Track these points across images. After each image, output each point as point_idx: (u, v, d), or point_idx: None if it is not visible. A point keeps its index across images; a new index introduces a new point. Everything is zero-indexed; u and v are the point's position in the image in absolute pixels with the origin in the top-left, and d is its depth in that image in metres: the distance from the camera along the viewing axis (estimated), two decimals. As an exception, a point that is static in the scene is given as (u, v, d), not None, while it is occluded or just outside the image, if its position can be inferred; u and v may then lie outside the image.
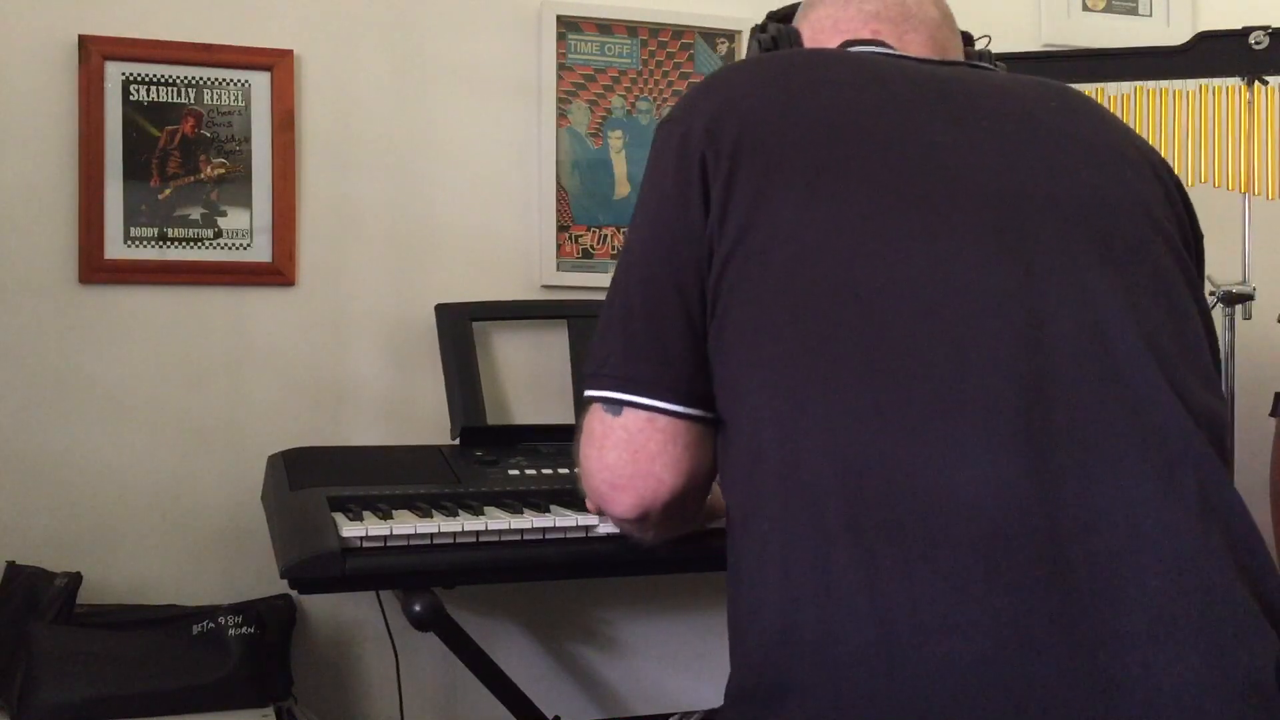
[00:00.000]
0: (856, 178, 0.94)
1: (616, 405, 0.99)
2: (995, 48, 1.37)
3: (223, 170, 1.88)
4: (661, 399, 0.98)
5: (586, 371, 1.03)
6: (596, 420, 1.02)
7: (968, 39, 1.23)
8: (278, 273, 1.90)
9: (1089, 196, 0.97)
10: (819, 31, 1.17)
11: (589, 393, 1.02)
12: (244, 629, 1.65)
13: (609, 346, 1.01)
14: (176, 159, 1.86)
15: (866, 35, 1.13)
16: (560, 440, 1.85)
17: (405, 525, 1.38)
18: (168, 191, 1.86)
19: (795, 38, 1.19)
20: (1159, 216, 1.00)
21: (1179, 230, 1.02)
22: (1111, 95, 2.00)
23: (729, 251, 0.95)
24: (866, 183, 0.94)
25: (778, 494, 0.89)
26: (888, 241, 0.91)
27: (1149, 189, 1.01)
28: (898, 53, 1.11)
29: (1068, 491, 0.84)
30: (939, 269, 0.90)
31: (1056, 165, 0.99)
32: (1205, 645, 0.81)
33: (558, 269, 2.03)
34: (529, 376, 2.01)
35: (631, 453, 0.99)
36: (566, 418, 1.93)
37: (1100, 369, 0.88)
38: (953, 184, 0.95)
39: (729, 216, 0.95)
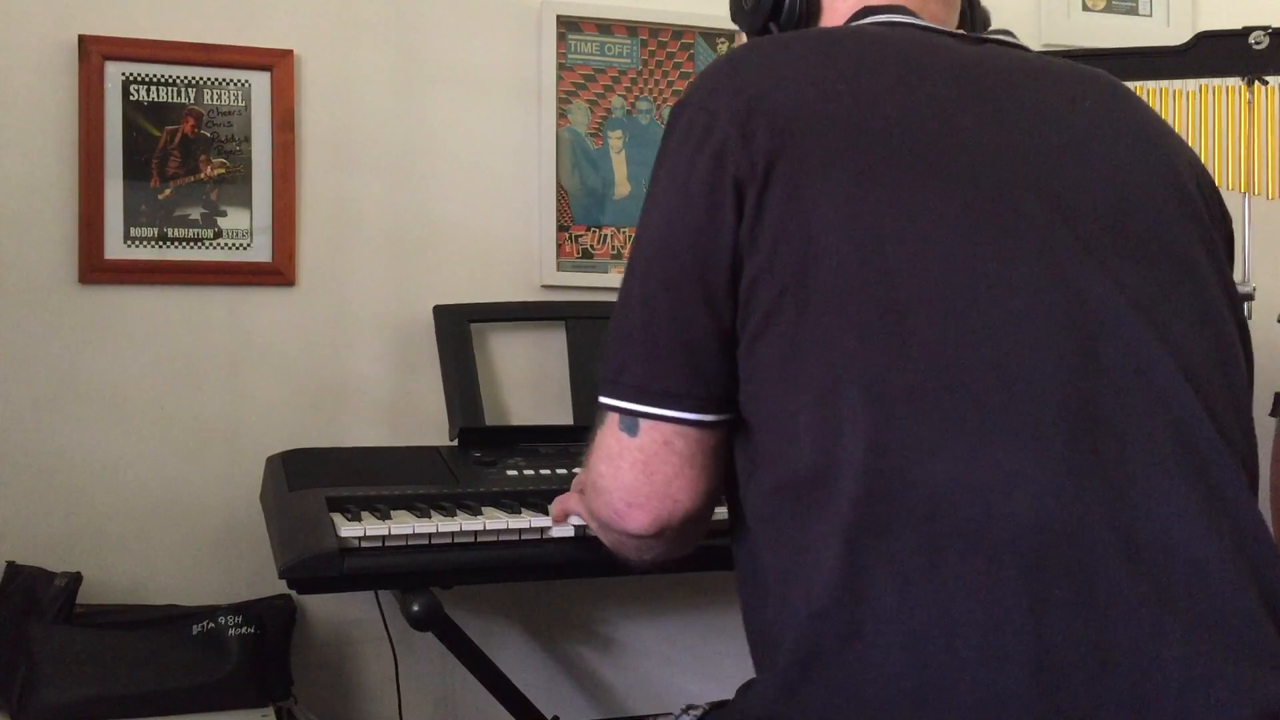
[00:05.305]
0: (904, 184, 0.91)
1: (633, 421, 0.97)
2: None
3: (223, 170, 1.89)
4: (688, 410, 0.96)
5: (602, 376, 0.99)
6: (612, 437, 0.99)
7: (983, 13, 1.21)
8: (278, 273, 1.90)
9: (1138, 204, 0.96)
10: None
11: (605, 400, 0.99)
12: (244, 629, 1.65)
13: (628, 352, 0.97)
14: (176, 159, 1.87)
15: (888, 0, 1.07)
16: (558, 441, 1.86)
17: (403, 525, 1.39)
18: (168, 191, 1.86)
19: (814, 2, 1.13)
20: (1205, 233, 0.99)
21: (1223, 242, 1.02)
22: (1111, 95, 2.00)
23: (766, 261, 0.91)
24: (914, 188, 0.91)
25: (817, 503, 0.87)
26: (938, 249, 0.89)
27: (1192, 199, 1.00)
28: (925, 24, 1.05)
29: (1111, 515, 0.83)
30: (990, 280, 0.88)
31: (1103, 168, 0.97)
32: (1236, 678, 0.81)
33: (558, 269, 2.03)
34: (527, 377, 2.01)
35: (648, 474, 0.97)
36: (565, 419, 1.93)
37: (1146, 397, 0.87)
38: (1002, 192, 0.92)
39: (763, 224, 0.91)
